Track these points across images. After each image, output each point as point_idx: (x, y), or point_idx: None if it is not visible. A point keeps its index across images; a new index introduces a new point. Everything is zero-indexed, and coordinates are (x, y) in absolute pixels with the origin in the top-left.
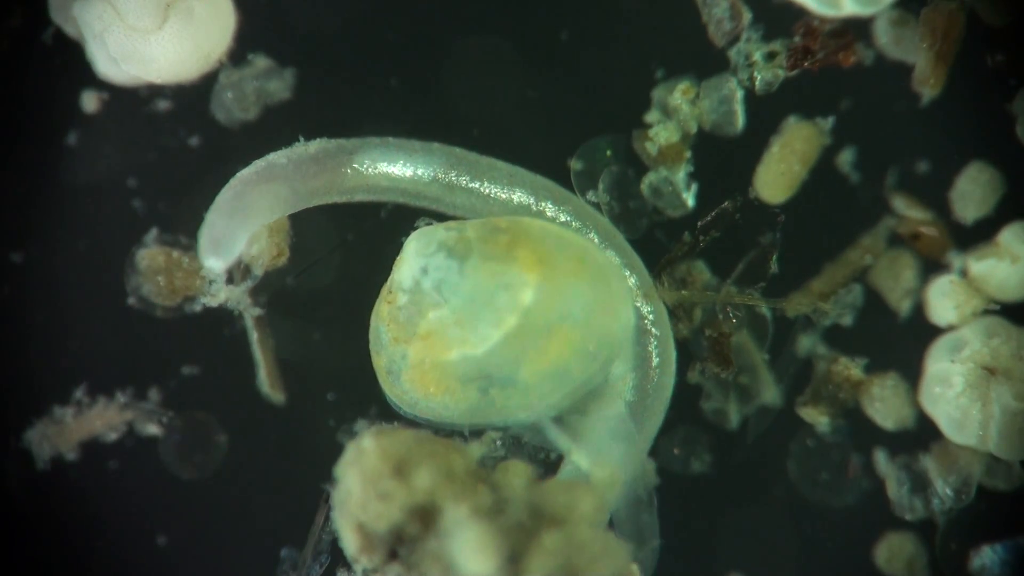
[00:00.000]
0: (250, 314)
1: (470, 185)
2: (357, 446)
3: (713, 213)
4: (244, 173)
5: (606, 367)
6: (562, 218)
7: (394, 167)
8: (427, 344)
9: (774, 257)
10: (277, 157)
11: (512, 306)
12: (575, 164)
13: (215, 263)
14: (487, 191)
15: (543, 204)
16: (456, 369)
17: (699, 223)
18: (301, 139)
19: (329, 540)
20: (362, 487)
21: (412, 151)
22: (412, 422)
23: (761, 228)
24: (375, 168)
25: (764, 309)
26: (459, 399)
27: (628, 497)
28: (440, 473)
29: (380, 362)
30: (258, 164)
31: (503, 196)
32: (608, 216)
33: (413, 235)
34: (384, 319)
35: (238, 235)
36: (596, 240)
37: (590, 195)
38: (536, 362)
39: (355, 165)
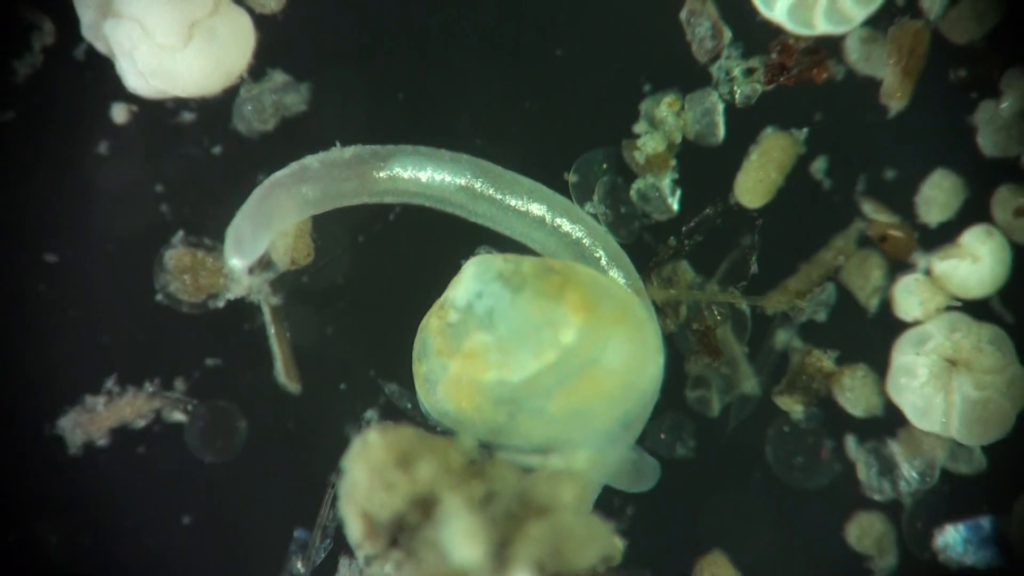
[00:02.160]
0: (269, 304)
1: (493, 195)
2: (363, 440)
3: (696, 218)
4: (278, 175)
5: (629, 415)
6: (575, 235)
7: (424, 174)
8: (468, 362)
9: (753, 258)
10: (311, 160)
11: (553, 342)
12: (572, 177)
13: (237, 263)
14: (508, 202)
15: (558, 220)
16: (491, 390)
17: (683, 228)
18: (337, 144)
19: (333, 527)
20: (368, 477)
21: (441, 160)
22: (412, 418)
23: (741, 231)
24: (406, 173)
25: (745, 306)
26: (487, 418)
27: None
28: (439, 466)
29: (421, 369)
30: (292, 167)
31: (522, 209)
32: (604, 223)
33: (473, 260)
34: (433, 331)
35: (261, 238)
36: (603, 257)
37: (588, 207)
38: (566, 398)
39: (387, 170)
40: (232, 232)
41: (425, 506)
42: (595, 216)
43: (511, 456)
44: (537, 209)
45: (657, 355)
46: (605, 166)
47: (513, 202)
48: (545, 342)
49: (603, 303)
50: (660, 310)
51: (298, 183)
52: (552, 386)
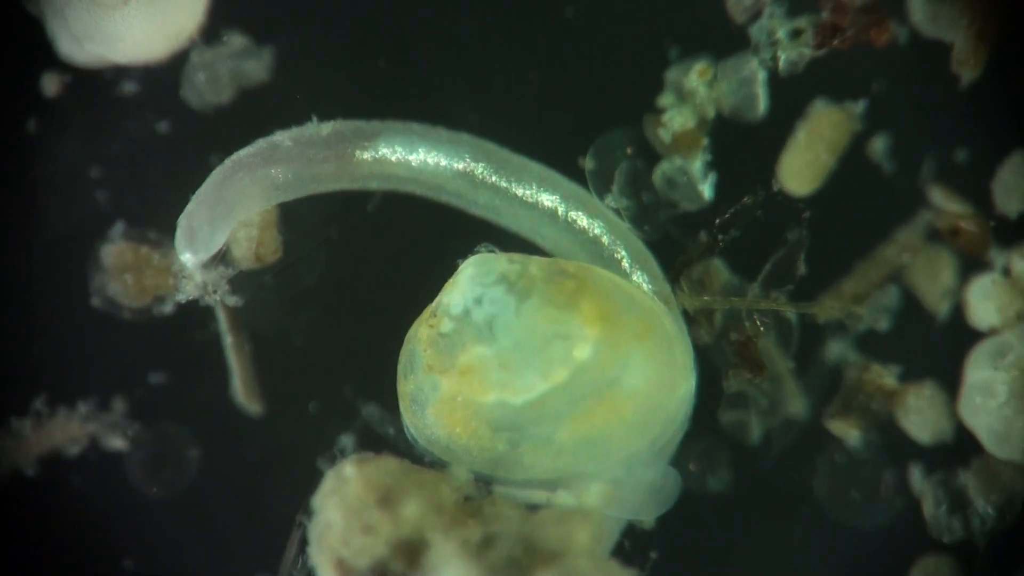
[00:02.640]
0: (225, 308)
1: (497, 184)
2: (338, 474)
3: (732, 209)
4: (242, 154)
5: (652, 445)
6: (593, 231)
7: (415, 156)
8: (464, 380)
9: (802, 256)
10: (282, 138)
11: (565, 359)
12: (588, 163)
13: (190, 258)
14: (514, 192)
15: (573, 214)
16: (490, 414)
17: (717, 220)
18: (314, 118)
19: None
20: (344, 518)
21: (437, 140)
22: (395, 446)
23: (786, 224)
24: (395, 156)
25: (791, 314)
26: (485, 447)
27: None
28: (429, 505)
29: (407, 388)
30: (259, 144)
31: (530, 200)
32: (627, 219)
33: (472, 259)
34: (422, 343)
35: (219, 229)
36: (626, 259)
37: (608, 200)
38: (577, 425)
39: (373, 151)
40: (185, 221)
41: (411, 552)
42: (617, 211)
43: (513, 492)
44: (548, 200)
45: (687, 376)
46: (630, 150)
47: (520, 192)
48: (555, 358)
49: (624, 314)
50: (692, 319)
51: (266, 164)
52: (562, 410)
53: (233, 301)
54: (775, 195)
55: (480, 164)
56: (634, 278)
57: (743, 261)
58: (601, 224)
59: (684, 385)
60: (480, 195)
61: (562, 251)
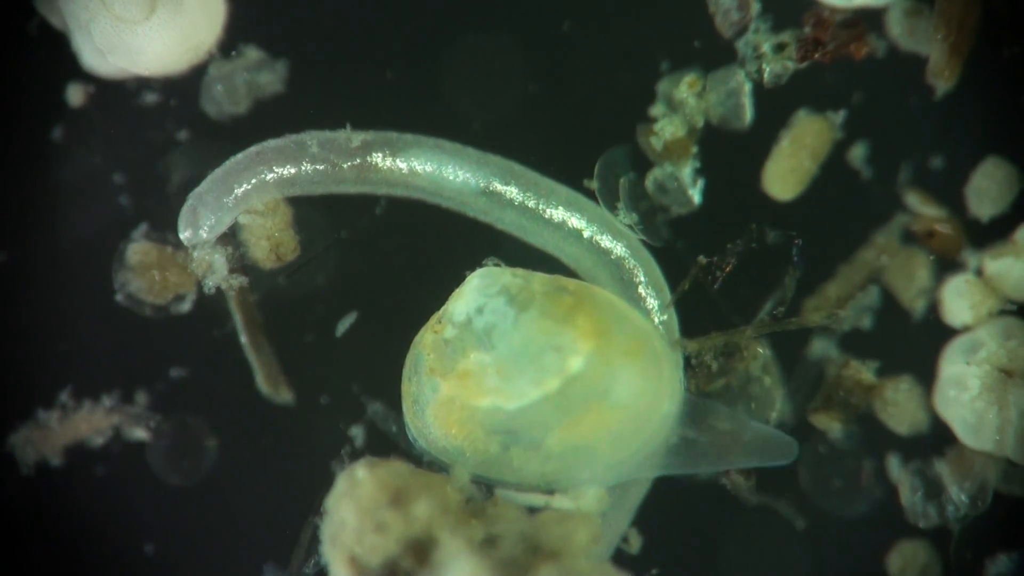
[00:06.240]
0: (240, 293)
1: (523, 204)
2: (351, 476)
3: (729, 249)
4: (268, 147)
5: (635, 457)
6: (617, 252)
7: (444, 171)
8: (462, 384)
9: (794, 285)
10: (312, 141)
11: (557, 370)
12: (595, 183)
13: (189, 237)
14: (540, 213)
15: (598, 236)
16: (484, 417)
17: (715, 258)
18: (348, 126)
19: (313, 573)
20: (358, 517)
21: (465, 158)
22: (396, 444)
23: (775, 232)
24: (423, 170)
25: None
26: (478, 448)
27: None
28: (437, 505)
29: (410, 388)
30: (288, 141)
31: (556, 221)
32: (638, 232)
33: (478, 271)
34: (426, 347)
35: (225, 215)
36: (643, 283)
37: (620, 216)
38: (566, 433)
39: (401, 163)
40: (192, 202)
41: (420, 550)
42: (629, 227)
43: (513, 495)
44: (574, 223)
45: (673, 394)
46: (633, 176)
47: (546, 213)
48: (548, 368)
49: (618, 331)
50: (690, 366)
51: (289, 162)
52: (552, 418)
53: (238, 283)
54: (764, 234)
55: (507, 185)
56: (648, 300)
57: (736, 285)
58: (624, 244)
59: (668, 402)
60: (506, 213)
61: (585, 269)
